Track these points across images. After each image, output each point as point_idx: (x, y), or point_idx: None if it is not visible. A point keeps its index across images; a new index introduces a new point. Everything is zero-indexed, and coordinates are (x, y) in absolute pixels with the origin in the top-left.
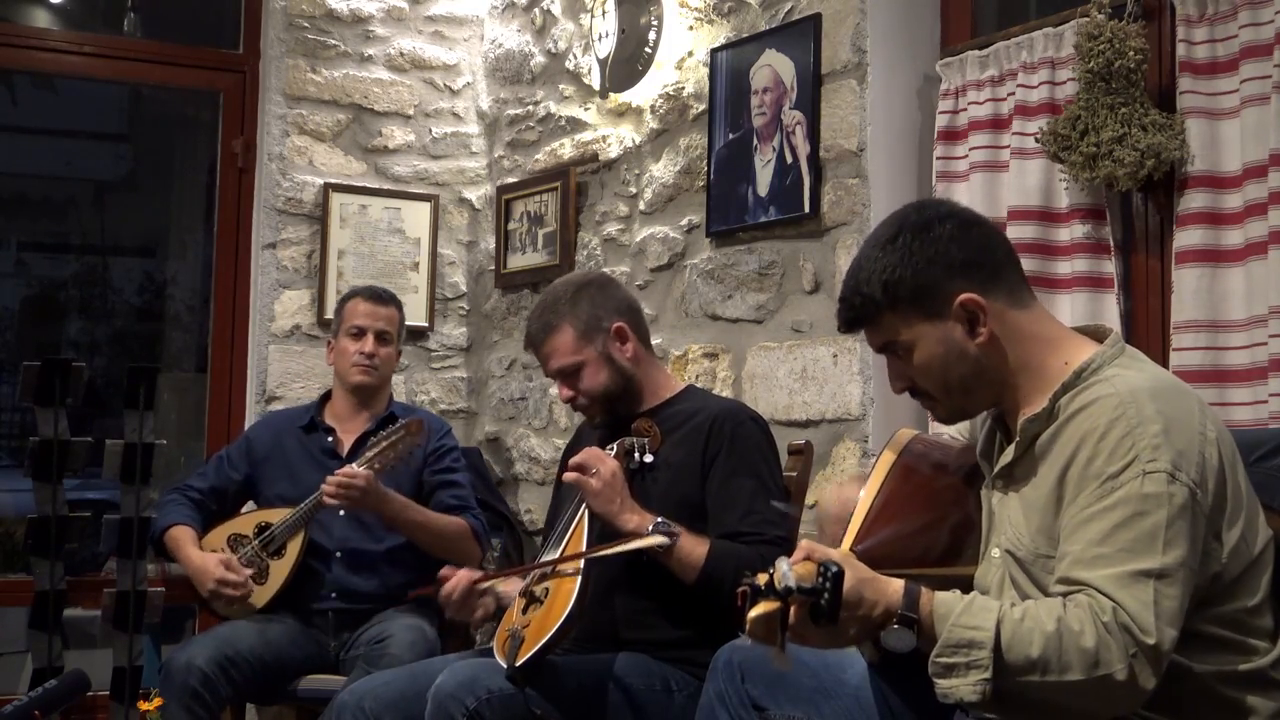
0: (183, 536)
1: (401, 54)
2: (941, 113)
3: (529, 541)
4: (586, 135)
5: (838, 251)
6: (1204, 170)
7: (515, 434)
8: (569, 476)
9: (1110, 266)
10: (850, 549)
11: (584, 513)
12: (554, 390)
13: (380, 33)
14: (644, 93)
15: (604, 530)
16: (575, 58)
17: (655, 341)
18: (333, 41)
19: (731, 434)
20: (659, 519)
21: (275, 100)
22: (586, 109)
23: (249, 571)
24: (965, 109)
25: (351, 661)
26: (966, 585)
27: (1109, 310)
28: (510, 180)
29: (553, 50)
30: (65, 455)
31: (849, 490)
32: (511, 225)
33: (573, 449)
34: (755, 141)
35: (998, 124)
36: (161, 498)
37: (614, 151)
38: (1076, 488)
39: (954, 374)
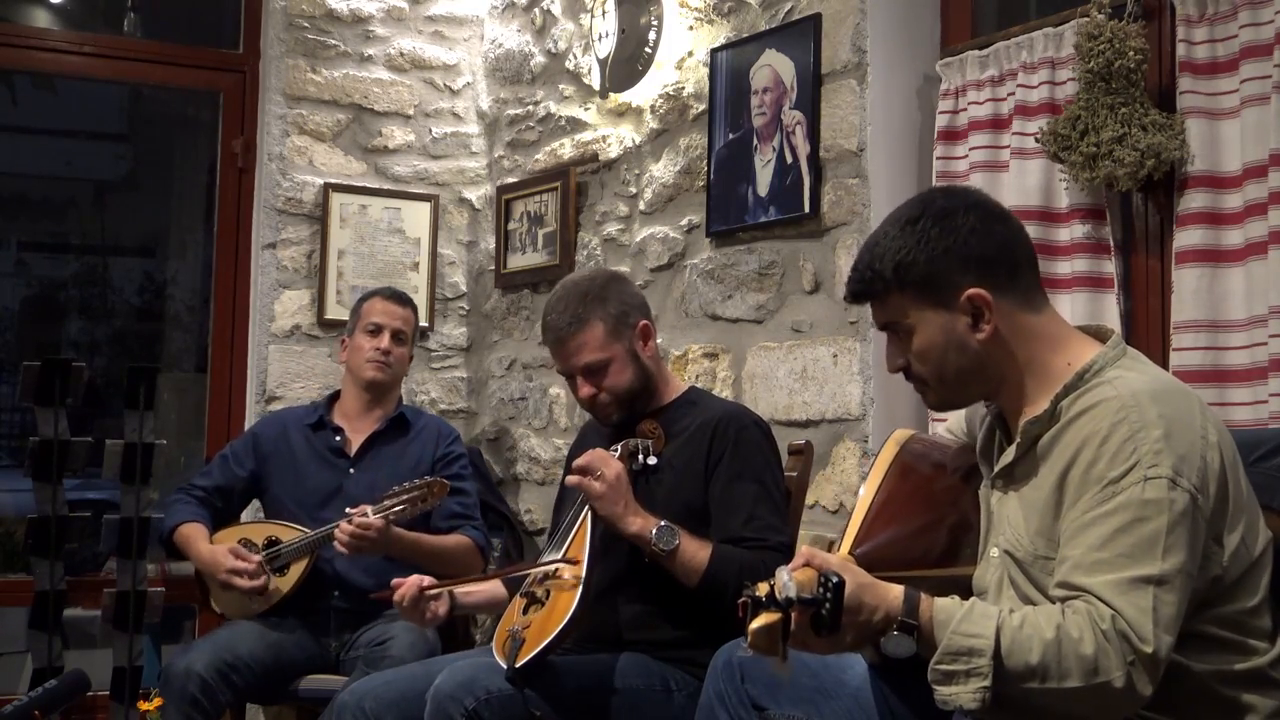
0: (193, 533)
1: (401, 54)
2: (941, 113)
3: (529, 541)
4: (586, 135)
5: (838, 251)
6: (1204, 170)
7: (515, 434)
8: (572, 480)
9: (1110, 266)
10: (849, 552)
11: (587, 514)
12: (554, 390)
13: (380, 33)
14: (644, 93)
15: (606, 532)
16: (575, 58)
17: (656, 341)
18: (333, 41)
19: (735, 438)
20: (662, 522)
21: (275, 100)
22: (586, 109)
23: (258, 557)
24: (965, 109)
25: (352, 662)
26: (965, 586)
27: (1109, 310)
28: (510, 180)
29: (553, 50)
30: (65, 455)
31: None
32: (511, 225)
33: (576, 450)
34: (755, 141)
35: (998, 124)
36: (167, 498)
37: (614, 151)
38: (1077, 491)
39: (951, 365)
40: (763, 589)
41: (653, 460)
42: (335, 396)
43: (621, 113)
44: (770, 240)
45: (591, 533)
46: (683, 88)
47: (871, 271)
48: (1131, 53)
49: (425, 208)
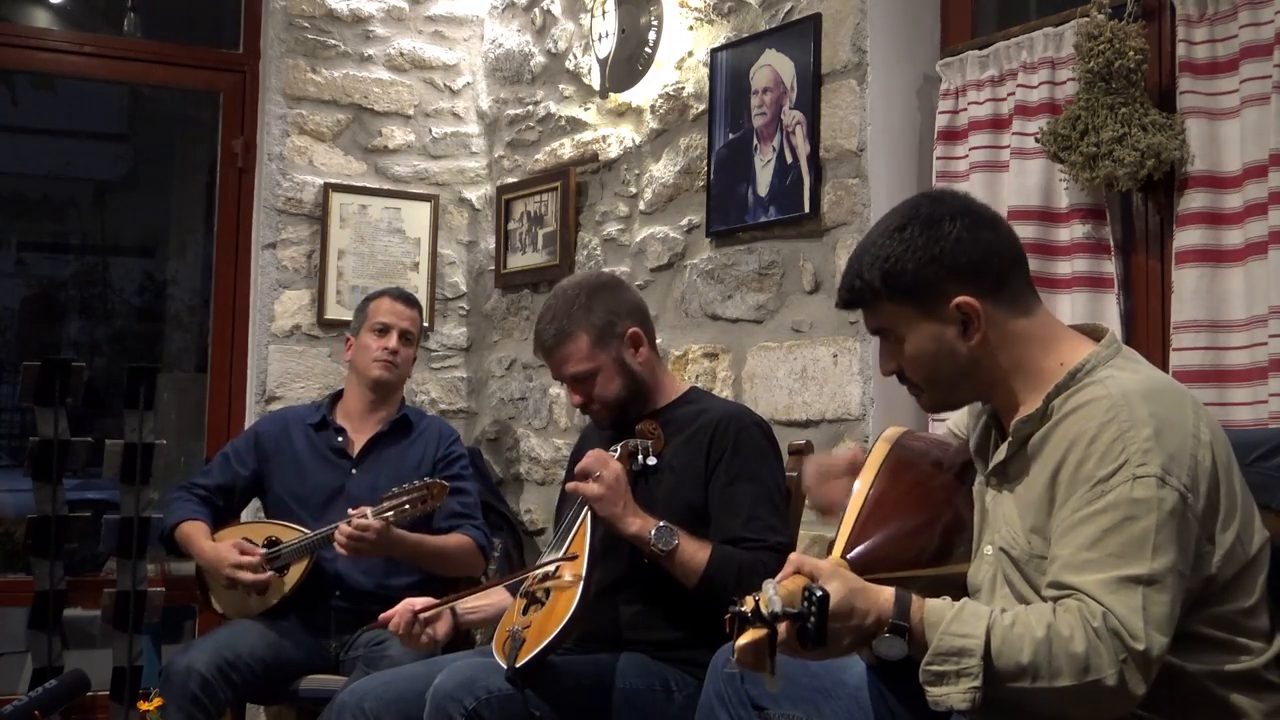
0: (195, 531)
1: (401, 54)
2: (941, 113)
3: (529, 542)
4: (586, 135)
5: (838, 251)
6: (1204, 170)
7: (515, 434)
8: (571, 486)
9: (1110, 266)
10: (842, 555)
11: (587, 515)
12: (554, 390)
13: (380, 33)
14: (644, 93)
15: (606, 533)
16: (575, 58)
17: (656, 341)
18: (333, 41)
19: (735, 439)
20: (661, 523)
21: (275, 100)
22: (586, 109)
23: (262, 551)
24: (965, 109)
25: (351, 662)
26: (959, 584)
27: (1109, 310)
28: (510, 180)
29: (553, 50)
30: (65, 455)
31: (828, 460)
32: (511, 225)
33: (578, 450)
34: (755, 141)
35: (998, 124)
36: (168, 495)
37: (614, 151)
38: (1067, 490)
39: (942, 370)
40: (748, 604)
41: (652, 461)
42: (338, 396)
43: (621, 113)
44: (770, 240)
45: (591, 533)
46: (683, 88)
47: (860, 280)
48: (1131, 53)
49: (425, 208)
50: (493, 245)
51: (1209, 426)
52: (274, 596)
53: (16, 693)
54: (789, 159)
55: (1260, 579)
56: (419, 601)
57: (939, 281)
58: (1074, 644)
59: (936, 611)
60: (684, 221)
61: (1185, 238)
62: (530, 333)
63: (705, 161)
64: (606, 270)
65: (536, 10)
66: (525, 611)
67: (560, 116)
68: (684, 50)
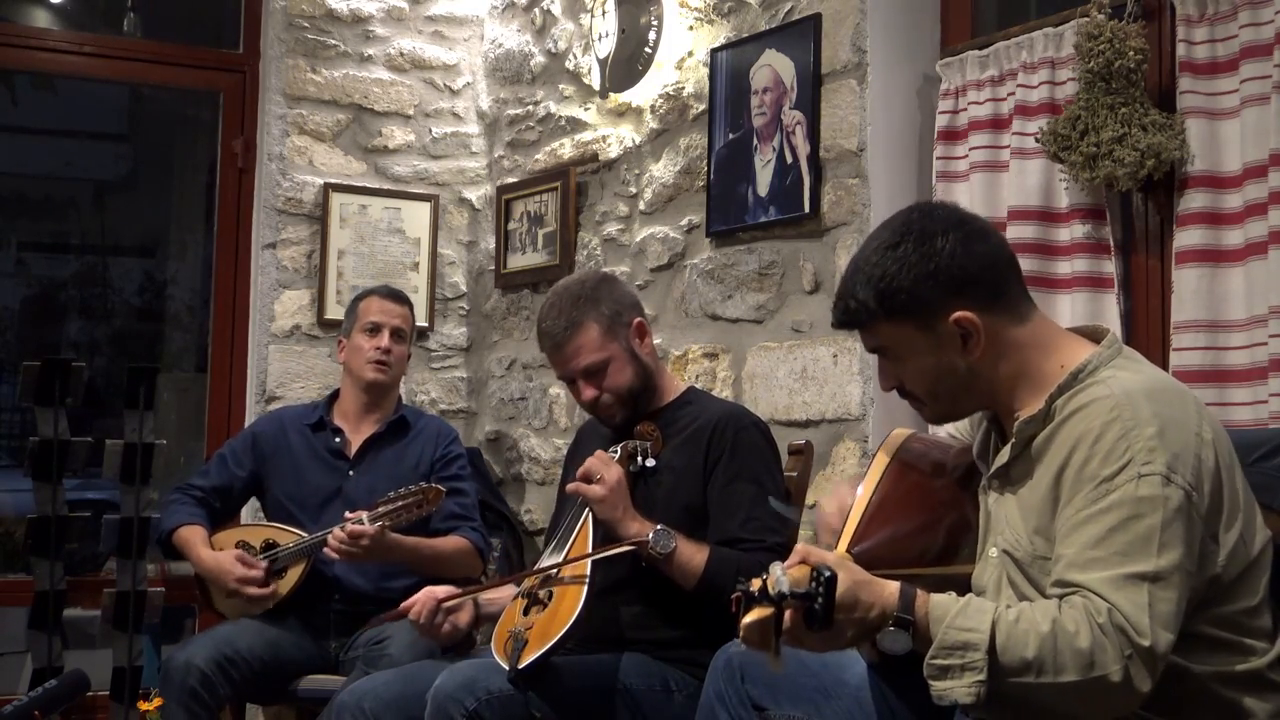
0: (193, 537)
1: (401, 54)
2: (941, 113)
3: (529, 542)
4: (586, 135)
5: (838, 251)
6: (1204, 170)
7: (515, 434)
8: (572, 488)
9: (1110, 266)
10: (846, 551)
11: (587, 517)
12: (554, 390)
13: (380, 33)
14: (644, 93)
15: (607, 535)
16: (575, 58)
17: (655, 341)
18: (333, 41)
19: (733, 439)
20: (659, 526)
21: (275, 100)
22: (586, 109)
23: (264, 564)
24: (965, 109)
25: (351, 662)
26: (963, 584)
27: (1109, 310)
28: (510, 180)
29: (553, 50)
30: (65, 455)
31: (845, 493)
32: (511, 225)
33: (574, 452)
34: (755, 141)
35: (998, 124)
36: (164, 497)
37: (614, 151)
38: (1072, 490)
39: (943, 384)
40: (755, 584)
41: (651, 462)
42: (335, 396)
43: (621, 113)
44: (770, 240)
45: (593, 534)
46: (683, 88)
47: (855, 301)
48: (1131, 53)
49: (425, 208)
50: (493, 245)
51: (1211, 426)
52: (273, 600)
53: (16, 693)
54: (789, 159)
55: (1263, 579)
56: (441, 590)
57: (936, 298)
58: (1079, 639)
59: (941, 606)
60: (684, 221)
61: (1185, 238)
62: (531, 333)
63: (705, 161)
64: (605, 269)
65: (536, 10)
66: (526, 612)
67: (560, 116)
68: (684, 50)
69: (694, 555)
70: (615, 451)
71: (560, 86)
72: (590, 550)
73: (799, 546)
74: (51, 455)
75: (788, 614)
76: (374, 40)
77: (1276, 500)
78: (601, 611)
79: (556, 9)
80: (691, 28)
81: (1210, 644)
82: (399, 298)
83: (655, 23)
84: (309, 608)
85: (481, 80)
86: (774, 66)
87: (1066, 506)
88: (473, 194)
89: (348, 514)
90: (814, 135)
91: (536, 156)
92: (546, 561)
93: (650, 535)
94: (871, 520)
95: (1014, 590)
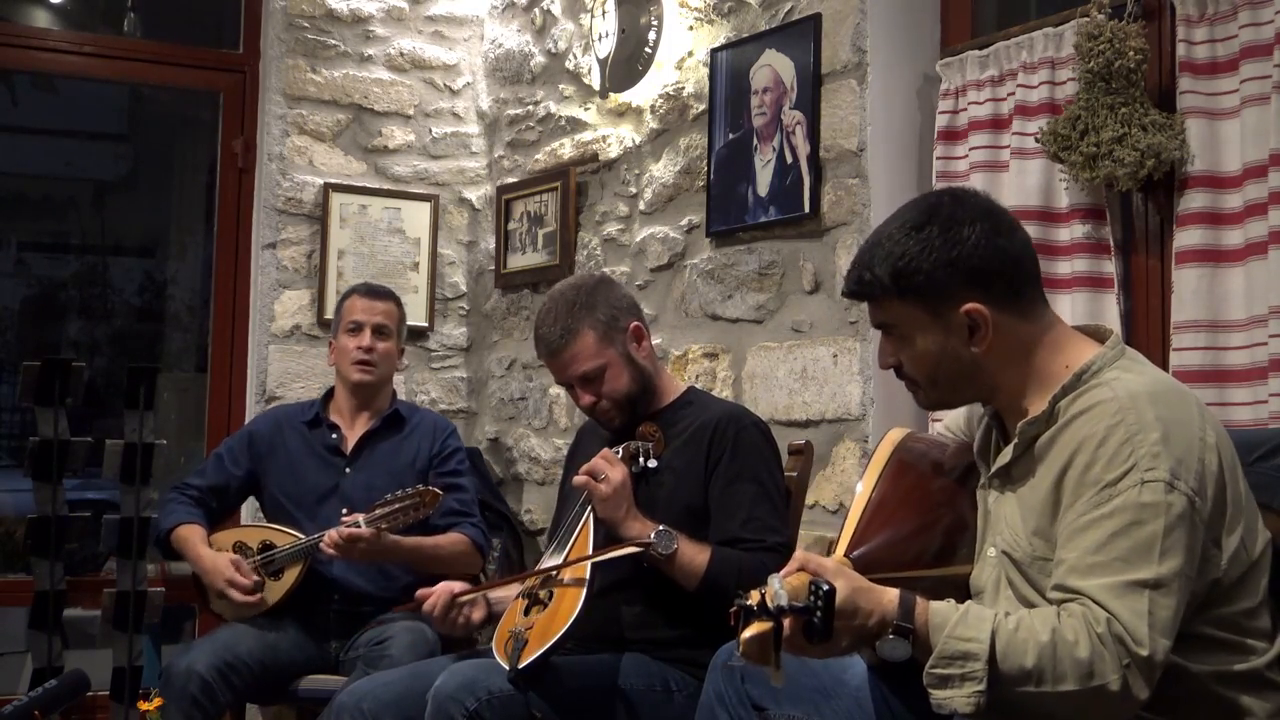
0: (192, 535)
1: (401, 54)
2: (941, 113)
3: (529, 542)
4: (586, 135)
5: (838, 251)
6: (1204, 170)
7: (515, 434)
8: (579, 480)
9: (1110, 266)
10: (845, 554)
11: (589, 517)
12: (554, 390)
13: (380, 33)
14: (644, 93)
15: (609, 535)
16: (575, 58)
17: (655, 341)
18: (333, 41)
19: (734, 439)
20: (660, 527)
21: (275, 100)
22: (586, 109)
23: (254, 578)
24: (965, 109)
25: (351, 662)
26: (961, 585)
27: (1109, 310)
28: (510, 180)
29: (553, 50)
30: (65, 455)
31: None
32: (511, 225)
33: (575, 452)
34: (755, 141)
35: (998, 124)
36: (161, 497)
37: (614, 151)
38: (1074, 493)
39: (944, 371)
40: (754, 597)
41: (653, 463)
42: (331, 393)
43: (621, 113)
44: (770, 240)
45: (594, 535)
46: (683, 88)
47: (871, 274)
48: (1131, 53)
49: (425, 208)
50: (493, 245)
51: (1214, 429)
52: (269, 601)
53: (16, 693)
54: (789, 159)
55: (1263, 580)
56: (457, 585)
57: (951, 286)
58: (1078, 649)
59: (941, 614)
60: (684, 221)
61: (1185, 238)
62: (530, 333)
63: (705, 161)
64: (602, 270)
65: (536, 10)
66: (527, 612)
67: (560, 116)
68: (684, 50)
69: (696, 556)
70: (618, 452)
71: (560, 86)
72: (591, 550)
73: (798, 554)
74: (51, 455)
75: (787, 624)
76: (374, 40)
77: (1276, 500)
78: (602, 611)
79: (556, 9)
80: (691, 28)
81: (1209, 644)
82: (379, 294)
83: (655, 23)
84: (309, 608)
85: (481, 80)
86: (774, 66)
87: (1069, 511)
88: (473, 194)
89: (344, 516)
90: (814, 135)
91: (536, 156)
92: (548, 562)
93: (652, 536)
94: (870, 522)
95: (1012, 590)
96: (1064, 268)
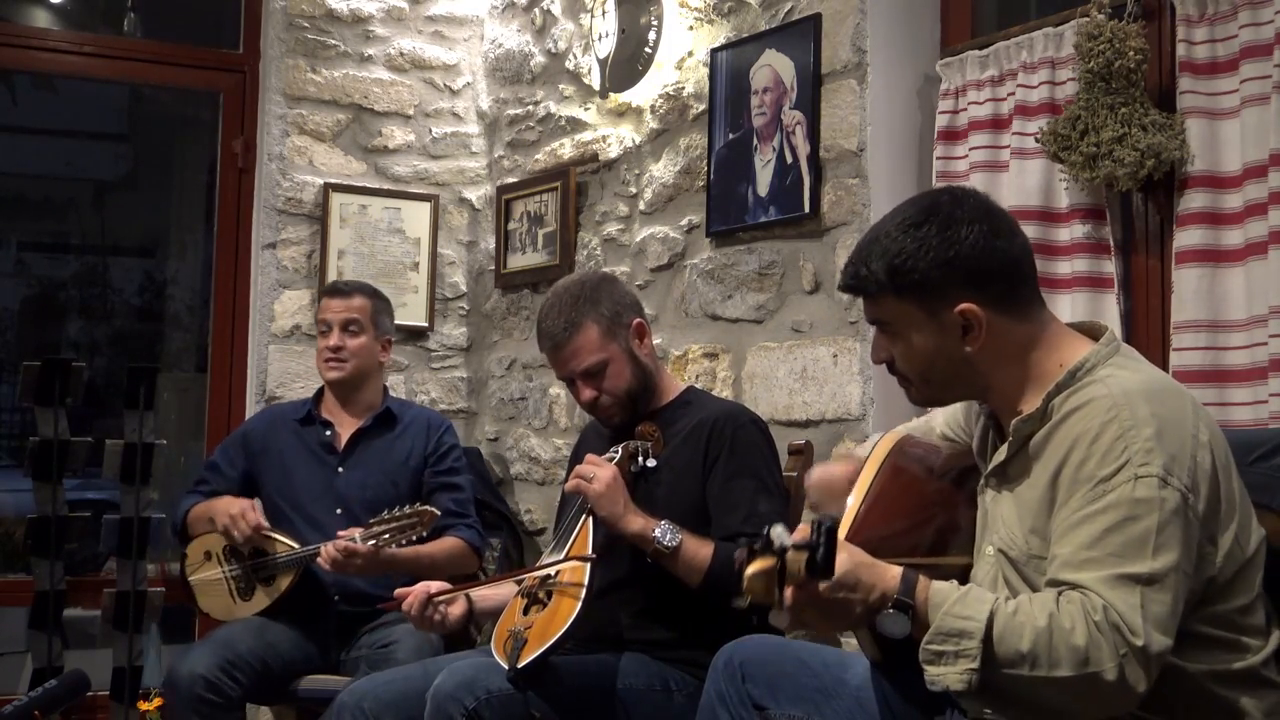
0: (202, 508)
1: (401, 54)
2: (941, 113)
3: (529, 542)
4: (586, 135)
5: (838, 251)
6: (1204, 170)
7: (515, 434)
8: (570, 485)
9: (1110, 266)
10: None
11: (588, 517)
12: (554, 390)
13: (380, 33)
14: (644, 93)
15: (608, 534)
16: (575, 58)
17: (655, 341)
18: (333, 41)
19: (732, 436)
20: (664, 521)
21: (275, 100)
22: (586, 109)
23: (263, 523)
24: (965, 109)
25: (354, 663)
26: (960, 575)
27: (1109, 310)
28: (510, 180)
29: (553, 50)
30: (65, 455)
31: (834, 468)
32: (511, 225)
33: (577, 454)
34: (755, 141)
35: (998, 124)
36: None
37: (614, 151)
38: (1068, 490)
39: (936, 369)
40: (759, 543)
41: (652, 462)
42: (323, 391)
43: (621, 113)
44: (770, 240)
45: (593, 535)
46: (683, 88)
47: (867, 269)
48: (1131, 53)
49: (425, 208)
50: (493, 245)
51: (1208, 427)
52: (259, 605)
53: (16, 693)
54: (789, 159)
55: (1258, 578)
56: (435, 585)
57: (947, 285)
58: (1075, 636)
59: (941, 593)
60: (684, 221)
61: (1185, 238)
62: (531, 333)
63: (705, 161)
64: (605, 269)
65: (536, 10)
66: (526, 611)
67: (560, 116)
68: (684, 50)
69: (699, 550)
70: (616, 452)
71: (560, 86)
72: (590, 550)
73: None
74: (51, 455)
75: (790, 562)
76: (374, 40)
77: (1276, 500)
78: (601, 611)
79: (556, 9)
80: (691, 28)
81: (1205, 642)
82: (345, 291)
83: (655, 23)
84: (309, 608)
85: (481, 80)
86: (774, 66)
87: (1063, 508)
88: (473, 194)
89: (340, 532)
90: (814, 135)
91: (536, 156)
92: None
93: (655, 531)
94: (867, 516)
95: (1009, 589)
96: (1064, 268)
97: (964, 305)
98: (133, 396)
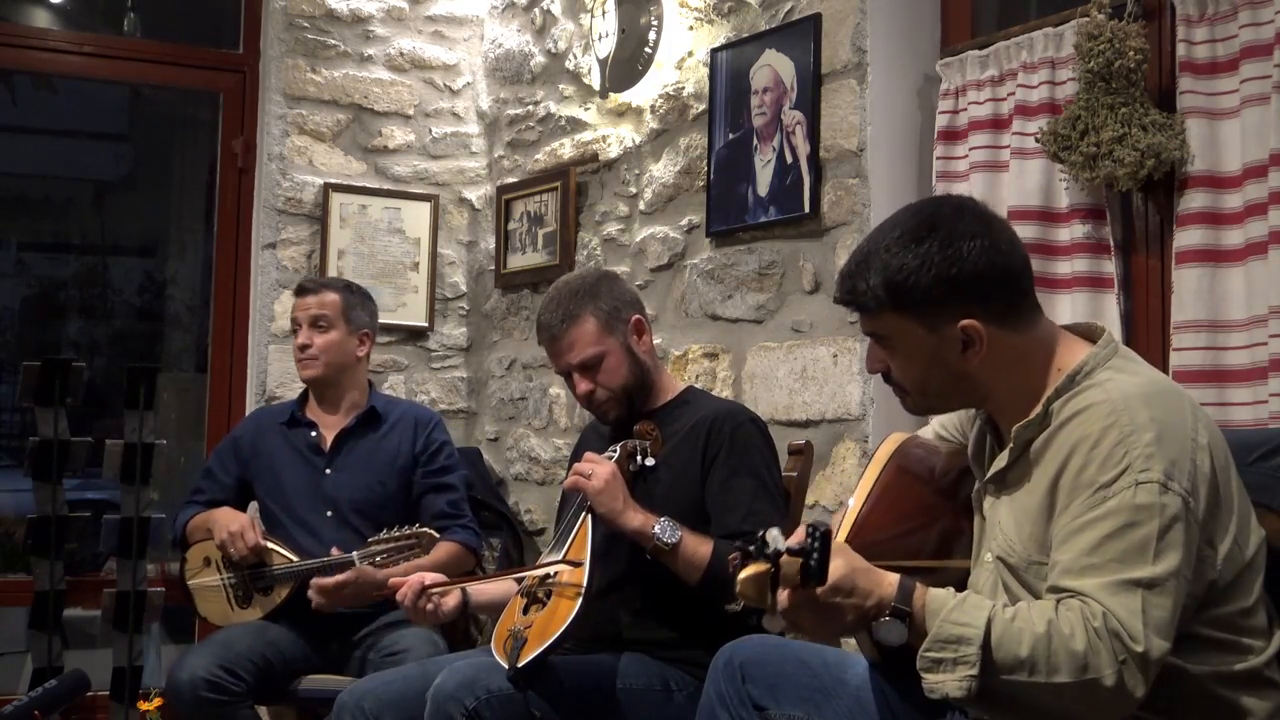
0: (202, 517)
1: (401, 54)
2: (941, 113)
3: (529, 542)
4: (586, 135)
5: (838, 251)
6: (1204, 170)
7: (515, 434)
8: (569, 482)
9: (1110, 266)
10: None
11: (587, 516)
12: (555, 390)
13: (380, 33)
14: (644, 93)
15: (607, 533)
16: (575, 58)
17: (655, 341)
18: (333, 41)
19: (731, 435)
20: (662, 518)
21: (275, 100)
22: (586, 109)
23: (260, 544)
24: (965, 109)
25: (358, 662)
26: (954, 580)
27: (1109, 310)
28: (510, 180)
29: (553, 50)
30: (65, 455)
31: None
32: (511, 225)
33: (577, 452)
34: (755, 141)
35: (998, 124)
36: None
37: (614, 151)
38: (1069, 496)
39: (933, 380)
40: (753, 547)
41: (650, 462)
42: (308, 392)
43: (621, 113)
44: (770, 240)
45: (592, 534)
46: (683, 88)
47: (865, 284)
48: (1131, 53)
49: (425, 208)
50: (493, 245)
51: (1207, 429)
52: (256, 614)
53: (16, 693)
54: (789, 159)
55: (1258, 579)
56: (429, 576)
57: (949, 302)
58: (1074, 642)
59: (938, 600)
60: (684, 221)
61: (1185, 238)
62: (531, 333)
63: (705, 161)
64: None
65: (536, 10)
66: (526, 611)
67: (560, 116)
68: (684, 50)
69: (698, 547)
70: (615, 451)
71: (560, 86)
72: (590, 549)
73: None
74: (51, 455)
75: (784, 567)
76: (374, 40)
77: (1276, 500)
78: (601, 611)
79: (556, 9)
80: (691, 28)
81: (1207, 644)
82: (312, 289)
83: (655, 23)
84: (310, 609)
85: (481, 80)
86: (774, 66)
87: (1063, 514)
88: (473, 194)
89: (335, 550)
90: (814, 135)
91: (536, 156)
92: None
93: (655, 527)
94: (867, 519)
95: (1009, 596)
96: (1064, 268)
97: (966, 321)
98: (133, 396)
